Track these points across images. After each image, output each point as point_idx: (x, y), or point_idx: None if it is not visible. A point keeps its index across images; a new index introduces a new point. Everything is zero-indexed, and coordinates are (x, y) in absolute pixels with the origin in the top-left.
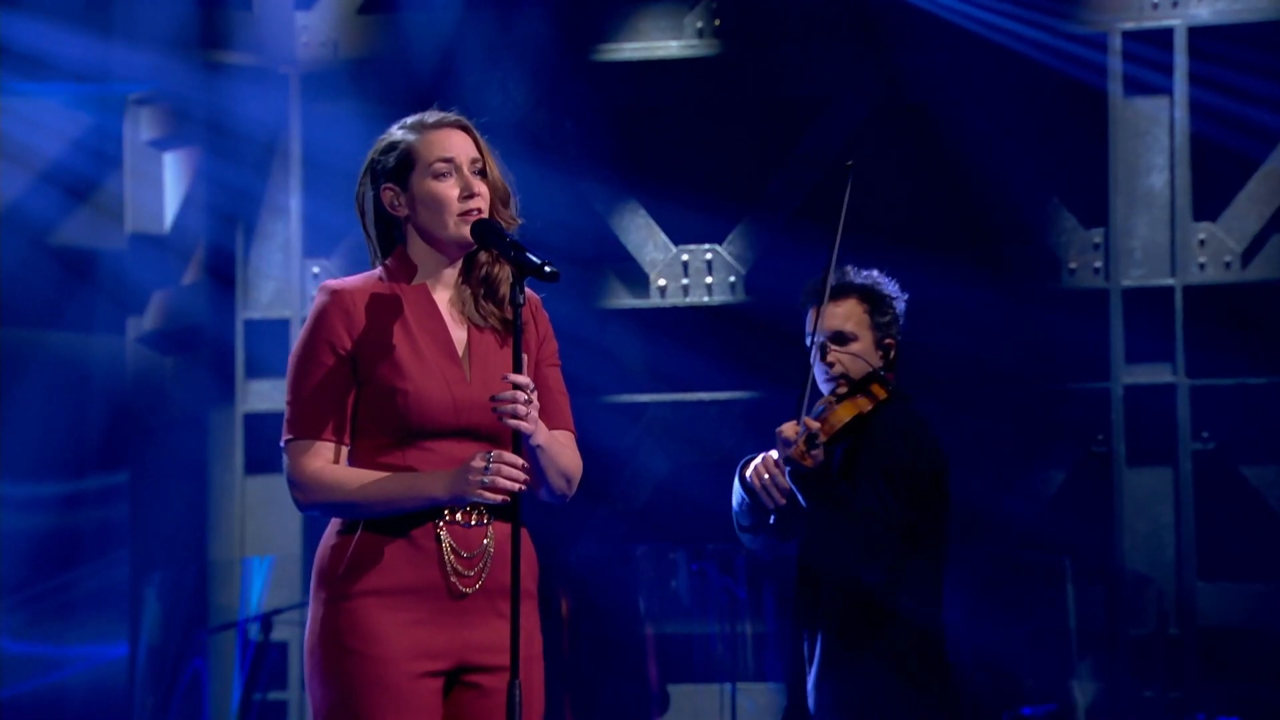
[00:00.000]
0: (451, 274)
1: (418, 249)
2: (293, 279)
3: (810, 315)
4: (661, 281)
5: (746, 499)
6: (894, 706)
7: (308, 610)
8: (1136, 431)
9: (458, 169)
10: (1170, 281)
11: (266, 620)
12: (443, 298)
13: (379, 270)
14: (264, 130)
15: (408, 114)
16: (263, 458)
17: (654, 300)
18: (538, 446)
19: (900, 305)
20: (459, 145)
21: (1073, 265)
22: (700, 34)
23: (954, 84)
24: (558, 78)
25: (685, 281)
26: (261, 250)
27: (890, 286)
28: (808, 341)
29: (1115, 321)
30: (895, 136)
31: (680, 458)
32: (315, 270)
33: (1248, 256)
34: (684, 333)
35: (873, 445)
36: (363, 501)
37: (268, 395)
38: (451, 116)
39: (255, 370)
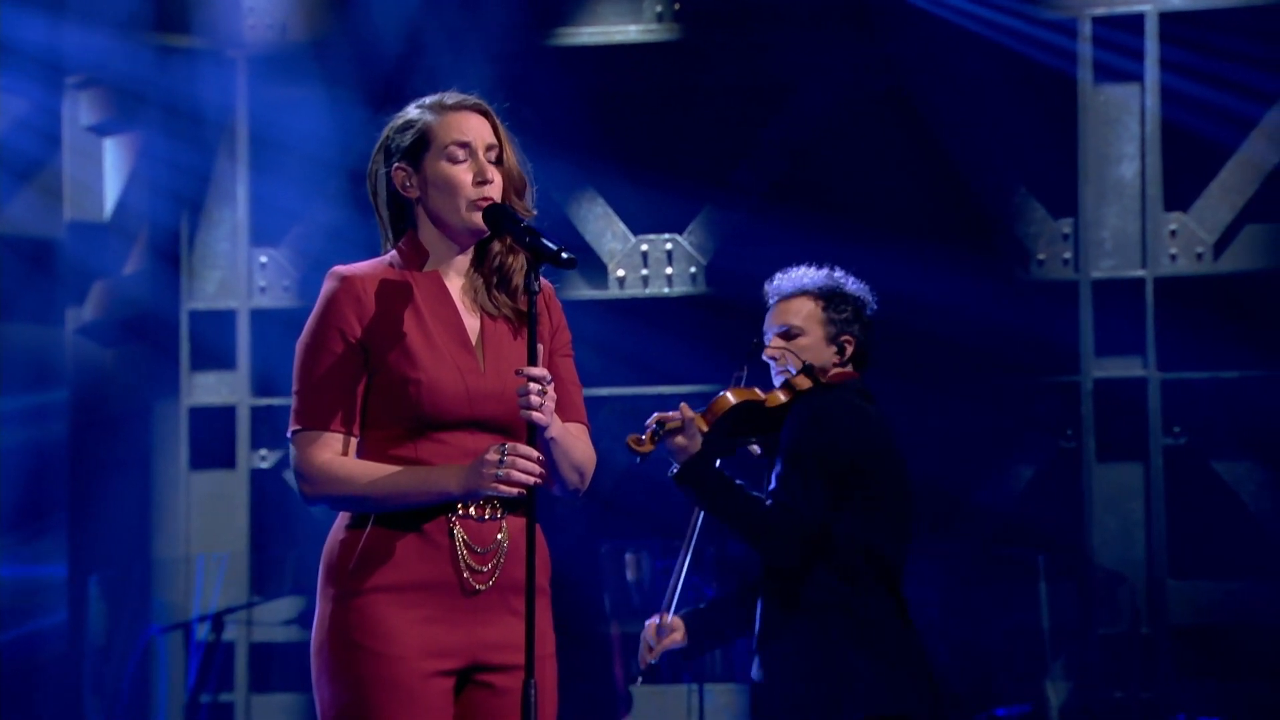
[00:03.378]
0: (463, 261)
1: (428, 234)
2: (239, 268)
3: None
4: (620, 272)
5: None
6: (813, 687)
7: (316, 606)
8: (1107, 426)
9: (473, 153)
10: (1141, 273)
11: (217, 620)
12: (455, 285)
13: (389, 256)
14: (211, 115)
15: (360, 98)
16: (208, 453)
17: (613, 291)
18: (551, 439)
19: (866, 307)
20: (476, 129)
21: (1041, 256)
22: (660, 18)
23: (921, 71)
24: (514, 63)
25: (645, 272)
26: (207, 238)
27: (852, 285)
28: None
29: (1085, 314)
30: (861, 124)
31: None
32: (263, 260)
33: (1220, 247)
34: (643, 325)
35: (785, 432)
36: (373, 495)
37: (213, 388)
38: (471, 99)
39: (200, 362)
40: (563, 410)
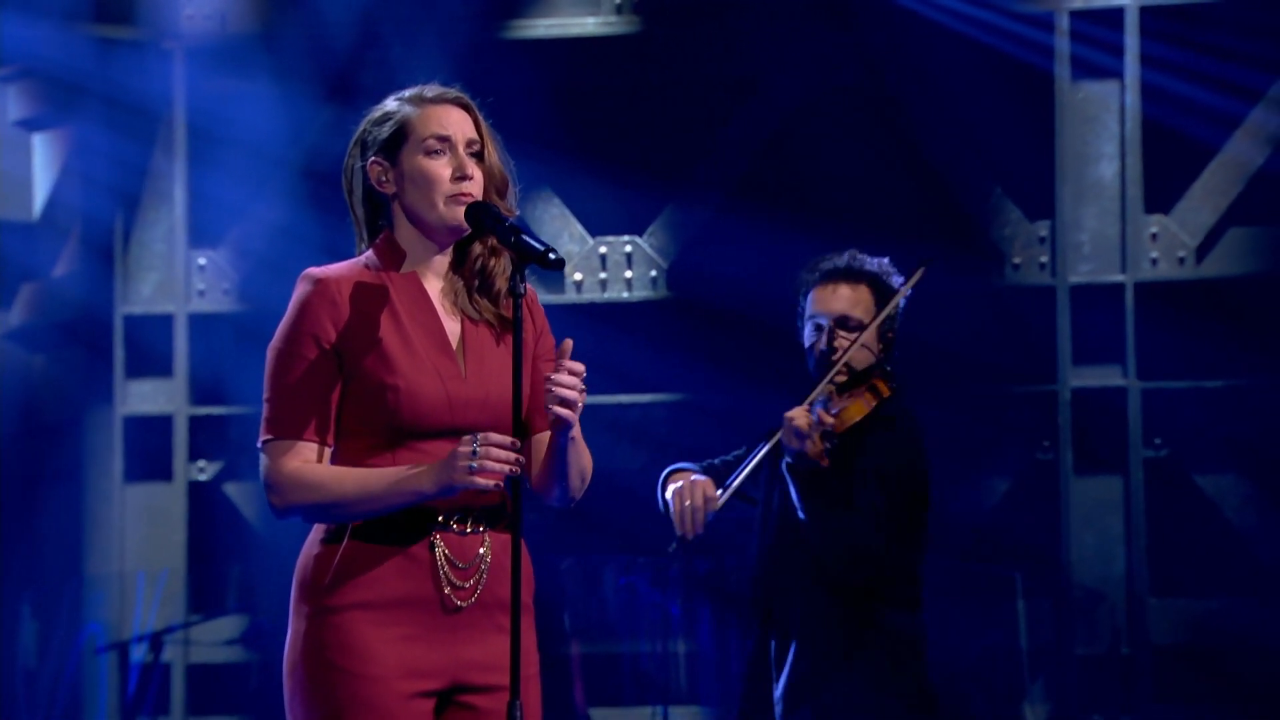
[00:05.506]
0: (442, 262)
1: (405, 233)
2: (176, 271)
3: (813, 296)
4: (578, 275)
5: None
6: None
7: (289, 625)
8: (1085, 437)
9: (453, 148)
10: (1120, 278)
11: (155, 639)
12: (434, 287)
13: (364, 257)
14: (147, 110)
15: (309, 92)
16: (144, 464)
17: (569, 296)
18: (571, 439)
19: (902, 301)
20: (456, 123)
21: (1017, 260)
22: (618, 10)
23: (892, 65)
24: (469, 56)
25: (603, 275)
26: (143, 239)
27: (897, 279)
28: (807, 324)
29: (1062, 320)
30: (829, 121)
31: (599, 463)
32: (201, 262)
33: (1202, 251)
34: (602, 330)
35: (870, 444)
36: (344, 501)
37: (149, 397)
38: (453, 92)
39: (136, 369)
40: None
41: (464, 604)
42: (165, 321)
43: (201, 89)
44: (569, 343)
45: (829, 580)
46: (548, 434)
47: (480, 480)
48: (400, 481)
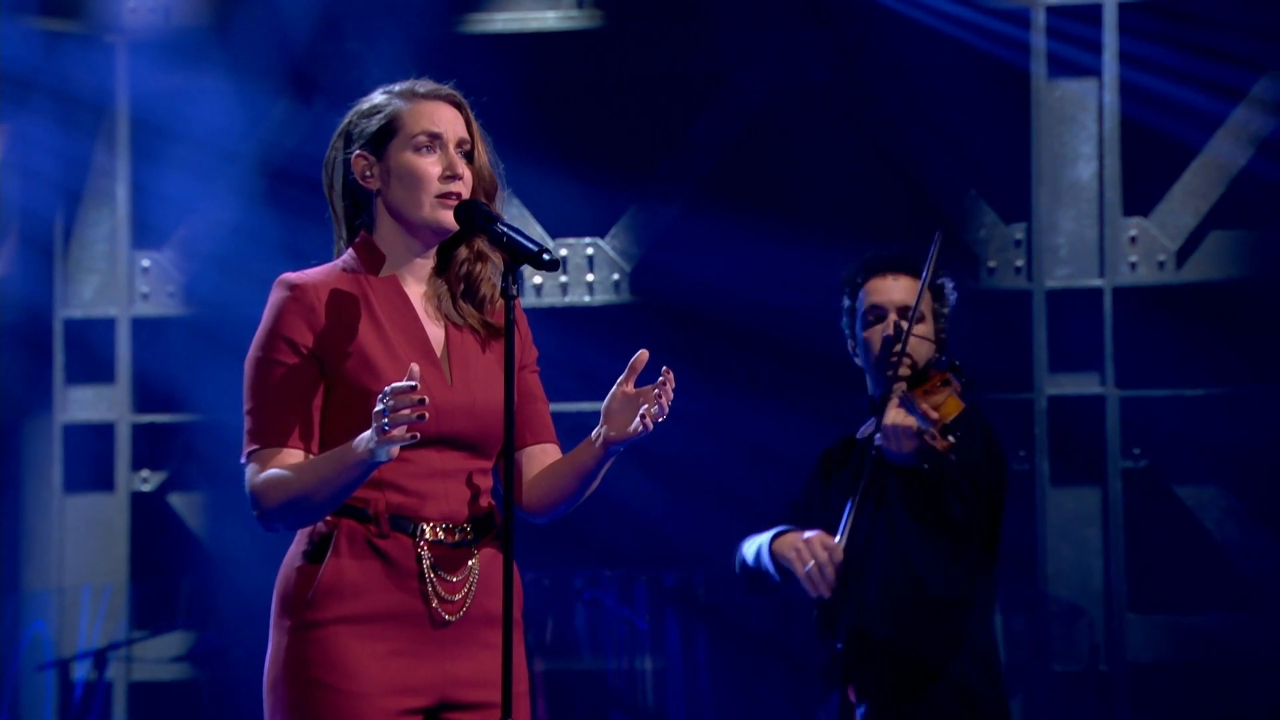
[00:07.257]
0: (424, 266)
1: (387, 233)
2: (119, 273)
3: (872, 287)
4: (537, 279)
5: (766, 572)
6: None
7: (270, 639)
8: (1062, 447)
9: (443, 146)
10: (1098, 282)
11: (99, 656)
12: (415, 292)
13: (341, 260)
14: (89, 105)
15: (264, 87)
16: (84, 474)
17: (529, 300)
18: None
19: (952, 296)
20: (448, 120)
21: (992, 264)
22: (580, 4)
23: (863, 62)
24: (425, 50)
25: (564, 279)
26: (84, 239)
27: (948, 280)
28: (863, 315)
29: (1038, 326)
30: (797, 119)
31: None
32: (145, 264)
33: (1183, 255)
34: (563, 335)
35: (968, 449)
36: (304, 490)
37: (90, 404)
38: (445, 89)
39: (76, 375)
40: (537, 431)
41: (452, 618)
42: (107, 325)
43: (146, 83)
44: (644, 354)
45: (927, 593)
46: (541, 448)
47: (395, 434)
48: (344, 455)
